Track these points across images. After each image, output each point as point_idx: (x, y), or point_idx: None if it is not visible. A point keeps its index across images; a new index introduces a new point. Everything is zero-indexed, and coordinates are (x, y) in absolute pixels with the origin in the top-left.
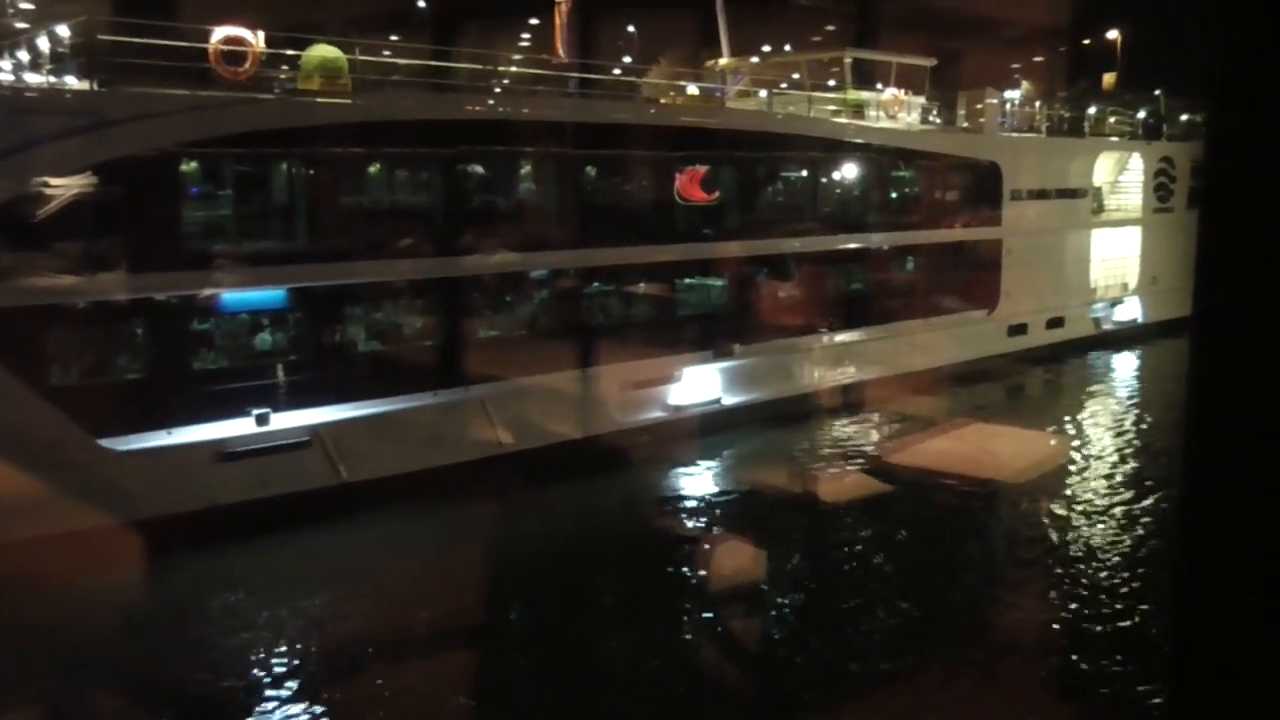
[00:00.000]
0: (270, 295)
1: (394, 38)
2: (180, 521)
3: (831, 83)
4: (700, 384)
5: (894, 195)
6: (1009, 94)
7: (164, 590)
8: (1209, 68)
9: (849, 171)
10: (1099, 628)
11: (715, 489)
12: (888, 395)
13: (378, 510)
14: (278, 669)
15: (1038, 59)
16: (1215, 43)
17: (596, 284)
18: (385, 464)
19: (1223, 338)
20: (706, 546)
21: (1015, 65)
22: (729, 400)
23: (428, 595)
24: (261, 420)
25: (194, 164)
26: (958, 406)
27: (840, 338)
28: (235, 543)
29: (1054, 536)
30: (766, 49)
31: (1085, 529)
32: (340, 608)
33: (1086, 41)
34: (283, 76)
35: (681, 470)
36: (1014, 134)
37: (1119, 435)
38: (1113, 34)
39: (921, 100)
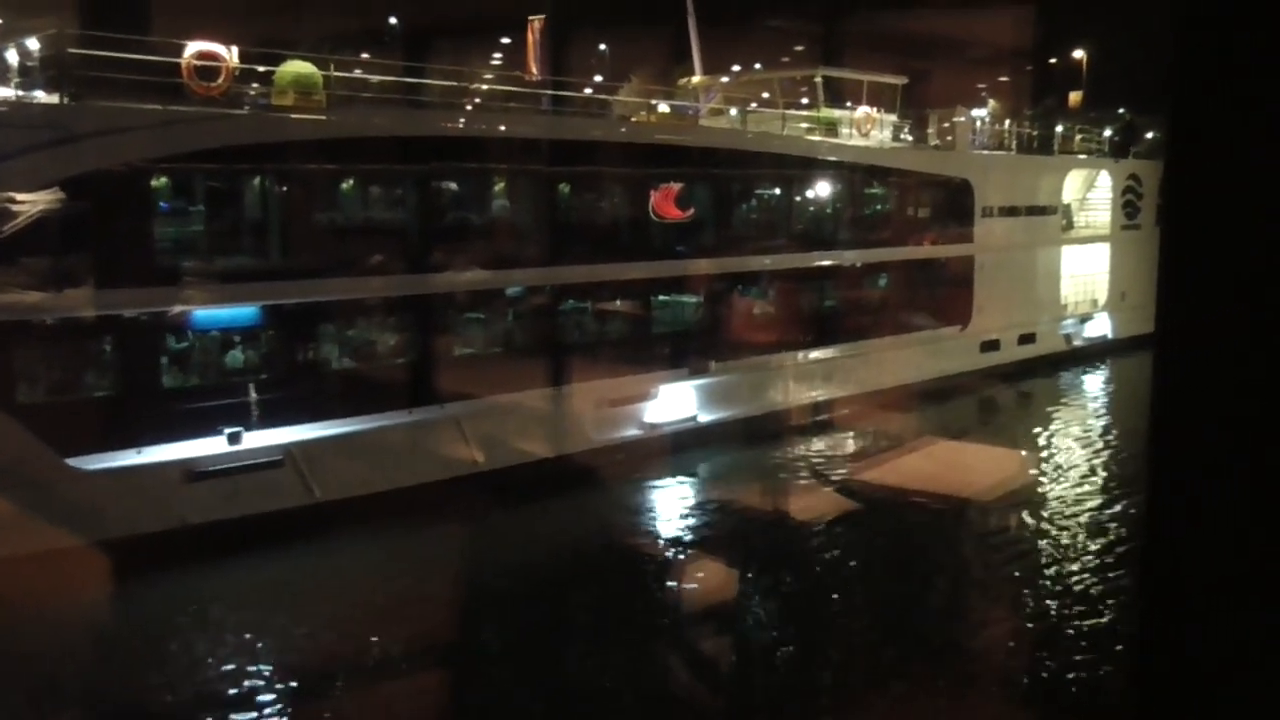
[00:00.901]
0: (242, 312)
1: (365, 55)
2: (150, 542)
3: (805, 101)
4: (676, 401)
5: (868, 212)
6: (976, 112)
7: (130, 612)
8: (1168, 86)
9: (823, 189)
10: (1067, 641)
11: (689, 508)
12: (863, 412)
13: (351, 530)
14: (245, 692)
15: (1003, 78)
16: (1174, 61)
17: (572, 301)
18: (359, 483)
19: (1184, 351)
20: (679, 567)
21: (981, 85)
22: (705, 418)
23: (398, 618)
24: (233, 439)
25: (165, 179)
26: (931, 423)
27: (815, 355)
28: (205, 563)
29: (1021, 553)
30: (736, 68)
31: (1053, 545)
32: (309, 630)
33: (1053, 61)
34: (252, 92)
35: (656, 489)
36: (985, 152)
37: (1089, 450)
38: (1078, 54)
39: (893, 118)
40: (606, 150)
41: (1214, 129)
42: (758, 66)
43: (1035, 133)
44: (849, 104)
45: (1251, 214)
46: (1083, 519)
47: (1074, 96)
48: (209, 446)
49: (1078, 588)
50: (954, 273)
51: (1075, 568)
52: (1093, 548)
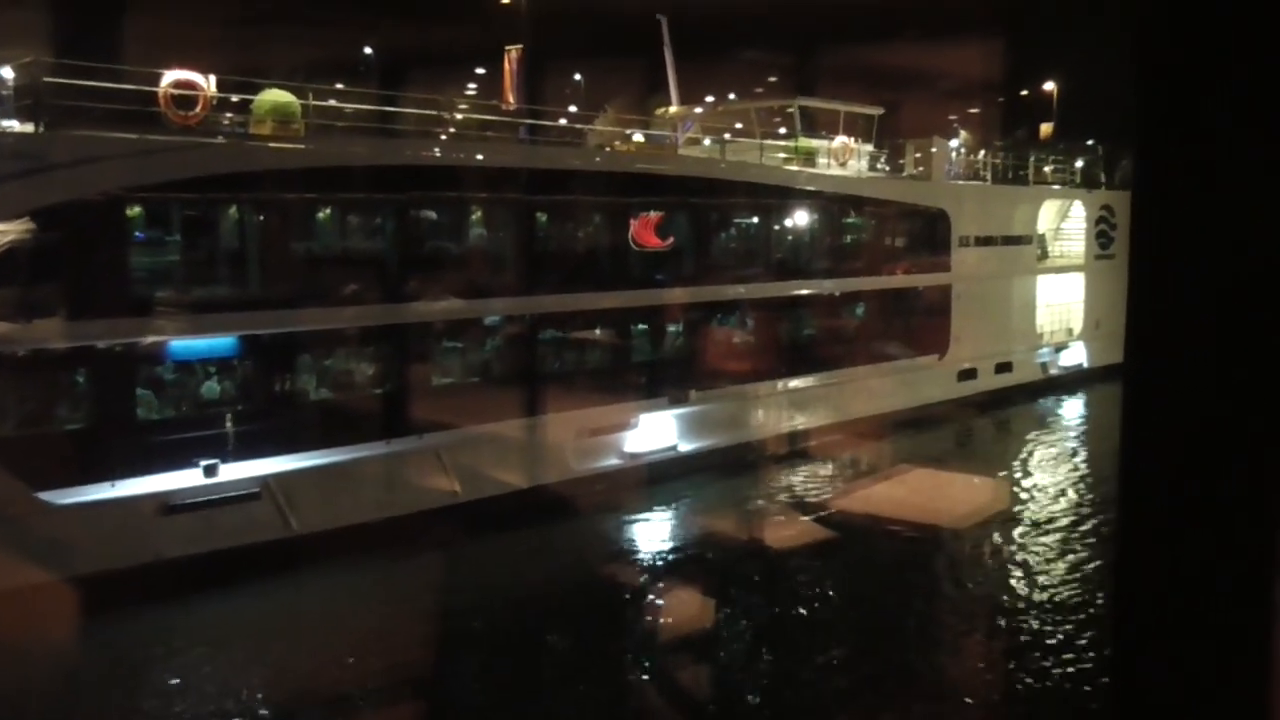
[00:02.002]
0: (218, 343)
1: (338, 85)
2: (124, 577)
3: (783, 130)
4: (656, 431)
5: (847, 242)
6: (951, 143)
7: (101, 649)
8: (1136, 117)
9: (803, 218)
10: (1039, 667)
11: (667, 538)
12: (842, 441)
13: (329, 564)
14: None
15: (973, 110)
16: (1138, 93)
17: (552, 330)
18: (338, 515)
19: (1152, 376)
20: (655, 597)
21: (951, 116)
22: (685, 447)
23: (373, 654)
24: (209, 471)
25: (142, 209)
26: (909, 452)
27: (795, 384)
28: (179, 599)
29: (994, 580)
30: (710, 99)
31: (1026, 572)
32: (282, 667)
33: (1024, 93)
34: (226, 121)
35: (636, 519)
36: (961, 181)
37: (1063, 477)
38: (1049, 86)
39: (870, 148)
40: (586, 179)
41: (1178, 159)
42: (732, 97)
43: (1009, 163)
44: (824, 134)
45: (1215, 243)
46: (1056, 543)
47: (1045, 128)
48: (185, 479)
49: (1049, 610)
50: (931, 302)
51: (1045, 596)
52: (1065, 572)
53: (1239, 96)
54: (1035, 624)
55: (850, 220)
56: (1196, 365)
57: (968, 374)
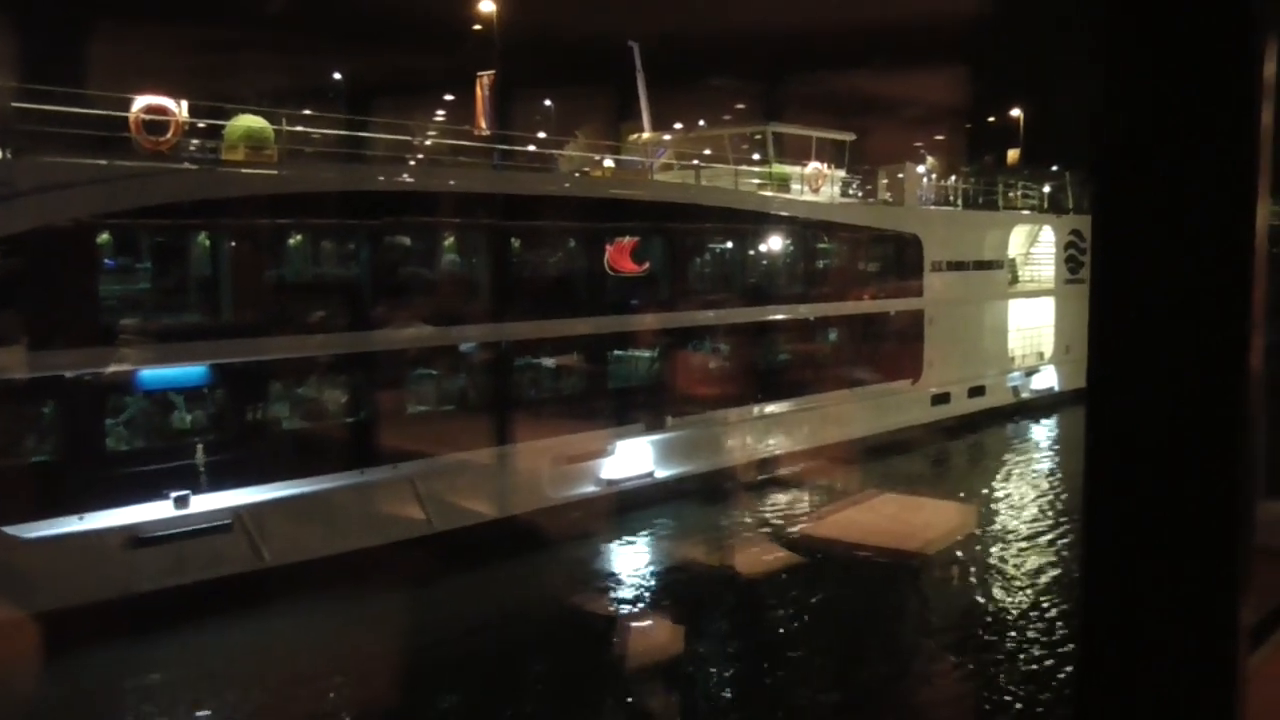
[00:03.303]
0: (189, 372)
1: (306, 111)
2: (91, 612)
3: (756, 156)
4: (633, 457)
5: (822, 267)
6: (921, 169)
7: (65, 687)
8: (1093, 142)
9: (778, 244)
10: (1009, 692)
11: (641, 565)
12: (817, 467)
13: (300, 596)
14: None
15: (939, 137)
16: (1100, 117)
17: (528, 357)
18: (311, 547)
19: (1114, 402)
20: (626, 626)
21: (917, 143)
22: (661, 473)
23: (345, 689)
24: (180, 503)
25: (112, 235)
26: (884, 476)
27: (772, 409)
28: (147, 634)
29: (958, 607)
30: (679, 126)
31: (992, 598)
32: (250, 704)
33: (991, 119)
34: (194, 146)
35: (611, 547)
36: (933, 207)
37: (1033, 500)
38: (1015, 112)
39: (842, 174)
40: (561, 205)
41: (1137, 184)
42: (701, 124)
43: (979, 188)
44: (795, 160)
45: (1174, 263)
46: (1022, 567)
47: (1012, 154)
48: (154, 511)
49: (1013, 632)
50: (905, 327)
51: (1013, 615)
52: (1032, 593)
53: (1195, 118)
54: (998, 646)
55: (824, 245)
56: (1157, 385)
57: (941, 398)
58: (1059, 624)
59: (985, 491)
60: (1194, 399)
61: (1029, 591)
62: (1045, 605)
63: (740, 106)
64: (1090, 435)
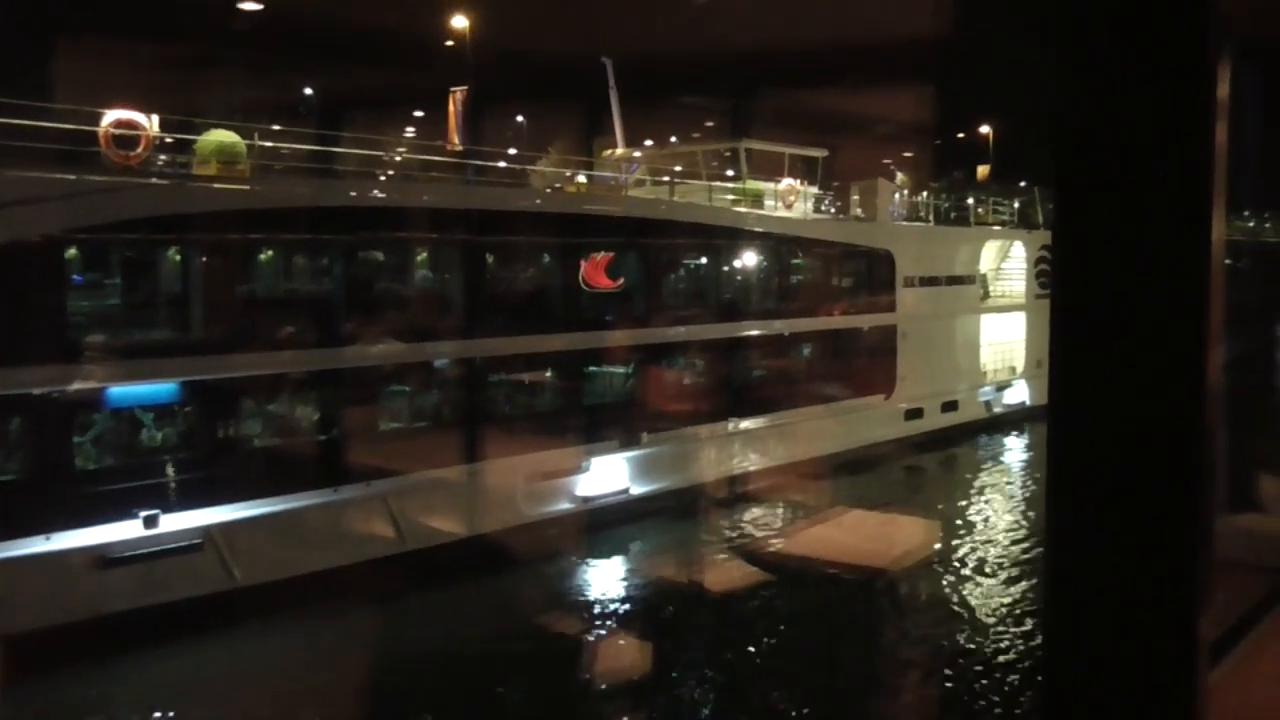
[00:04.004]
0: (160, 389)
1: (275, 127)
2: (58, 635)
3: (730, 172)
4: (608, 474)
5: (795, 283)
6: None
7: (27, 713)
8: (1053, 160)
9: (752, 259)
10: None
11: (612, 584)
12: (791, 483)
13: (272, 616)
14: None
15: (907, 154)
16: (1058, 137)
17: (503, 373)
18: (283, 566)
19: (1075, 417)
20: (594, 645)
21: (886, 160)
22: (637, 490)
23: (315, 711)
24: (150, 522)
25: (80, 251)
26: (858, 493)
27: (747, 424)
28: (114, 657)
29: (923, 622)
30: (649, 143)
31: (956, 615)
32: None
33: (960, 135)
34: (162, 161)
35: (584, 565)
36: (905, 223)
37: (1002, 516)
38: (985, 129)
39: (815, 190)
40: (536, 220)
41: (1096, 202)
42: (673, 140)
43: (951, 204)
44: (764, 175)
45: (1129, 284)
46: (987, 582)
47: (982, 170)
48: (124, 531)
49: (973, 648)
50: (878, 342)
51: (972, 632)
52: (997, 610)
53: (1152, 137)
54: (965, 661)
55: (798, 261)
56: (1118, 401)
57: (914, 413)
58: (1018, 631)
59: (961, 505)
60: (1153, 413)
61: (998, 608)
62: (1013, 619)
63: (710, 124)
64: (1052, 451)
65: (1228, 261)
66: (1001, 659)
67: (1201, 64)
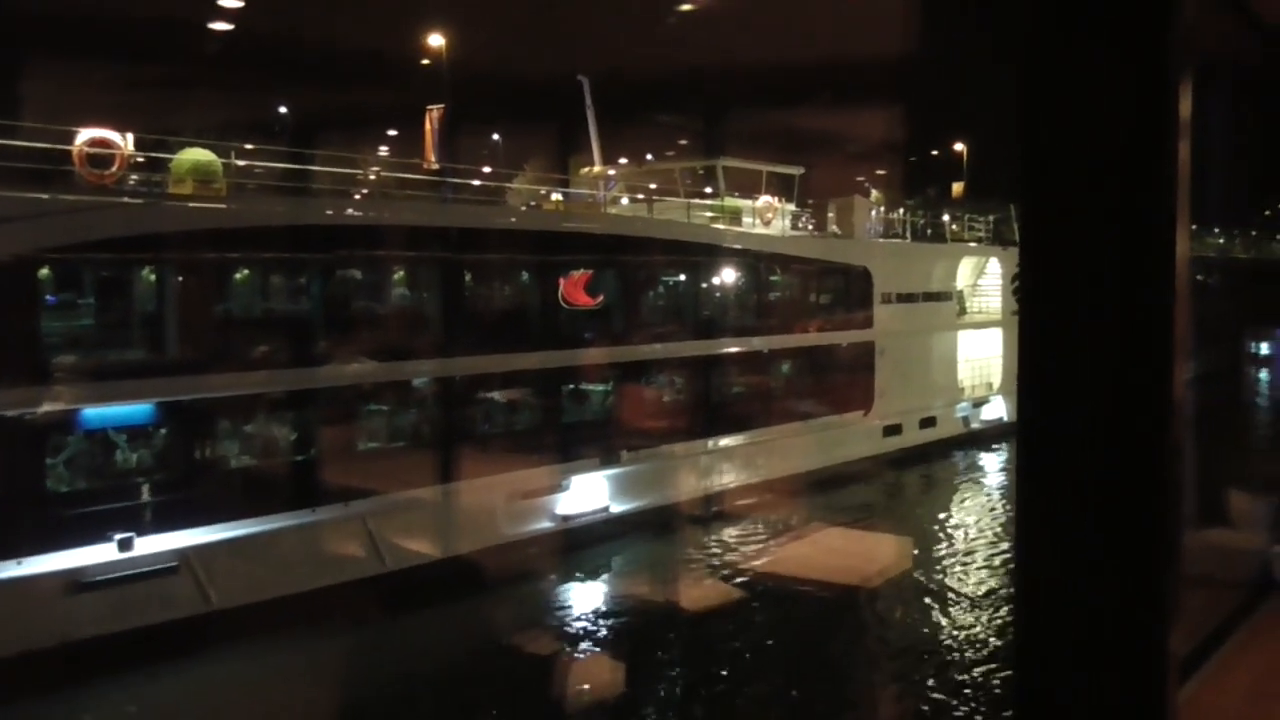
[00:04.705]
0: (134, 410)
1: (249, 146)
2: (28, 661)
3: (708, 190)
4: (588, 492)
5: (773, 299)
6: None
7: None
8: (1020, 180)
9: (731, 276)
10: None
11: (590, 603)
12: (771, 500)
13: (248, 641)
14: None
15: (881, 171)
16: (1023, 157)
17: (481, 392)
18: (260, 588)
19: (1043, 434)
20: (570, 665)
21: (860, 177)
22: (617, 508)
23: None
24: (124, 545)
25: (53, 271)
26: (837, 509)
27: (727, 441)
28: (86, 684)
29: (896, 639)
30: (624, 160)
31: (929, 631)
32: None
33: (935, 153)
34: (133, 180)
35: (563, 584)
36: (882, 240)
37: (977, 531)
38: (959, 146)
39: (792, 207)
40: (514, 238)
41: (1061, 220)
42: (649, 158)
43: (927, 221)
44: (738, 193)
45: (1094, 302)
46: (959, 597)
47: (956, 186)
48: (98, 554)
49: (943, 663)
50: (856, 358)
51: (945, 647)
52: (968, 624)
53: (1117, 156)
54: (938, 674)
55: (776, 278)
56: (1085, 417)
57: (893, 429)
58: (990, 645)
59: (940, 518)
60: (1121, 429)
61: (970, 623)
62: (982, 634)
63: (684, 142)
64: (1020, 467)
65: (1199, 278)
66: (976, 671)
67: (1164, 83)
